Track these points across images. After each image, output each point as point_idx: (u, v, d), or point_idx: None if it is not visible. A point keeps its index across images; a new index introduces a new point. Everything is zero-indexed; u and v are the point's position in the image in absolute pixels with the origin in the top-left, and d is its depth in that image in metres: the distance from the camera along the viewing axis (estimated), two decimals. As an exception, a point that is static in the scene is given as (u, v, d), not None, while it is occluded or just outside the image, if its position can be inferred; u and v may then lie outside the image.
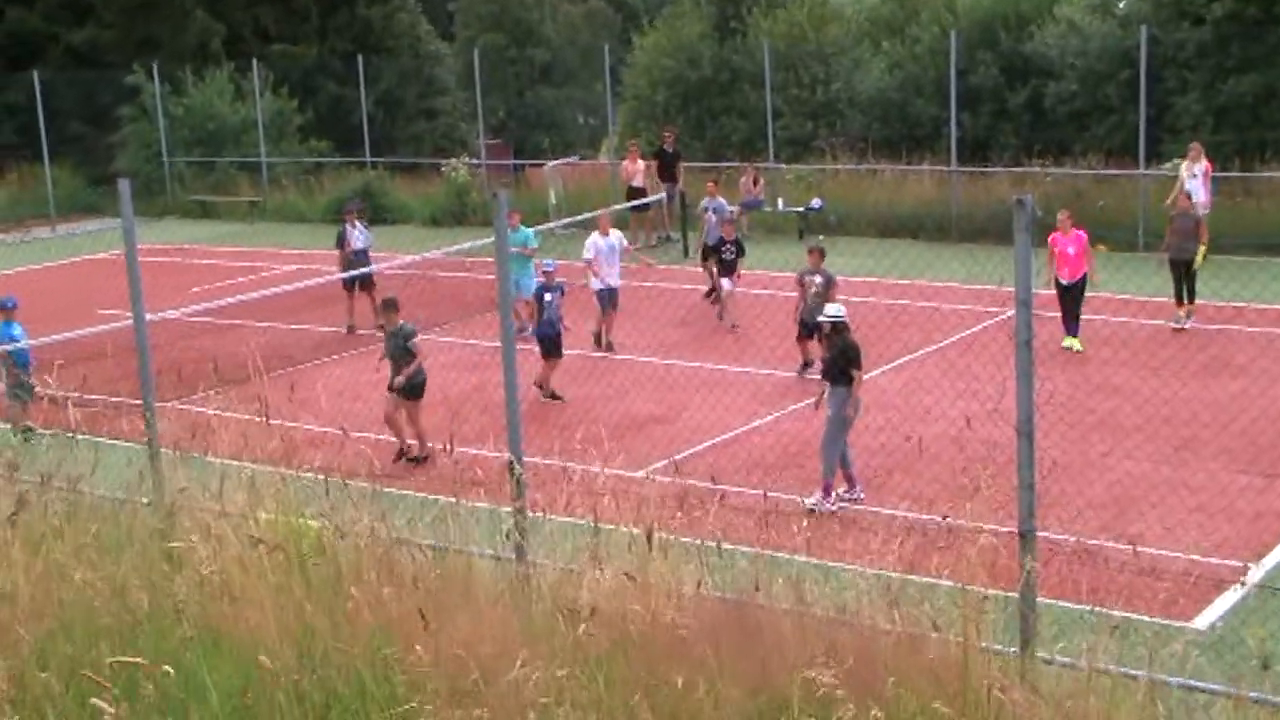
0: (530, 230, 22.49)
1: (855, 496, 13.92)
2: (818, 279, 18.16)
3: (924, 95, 36.14)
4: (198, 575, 7.18)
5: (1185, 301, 20.84)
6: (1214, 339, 19.58)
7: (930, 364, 18.89)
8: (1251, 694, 6.79)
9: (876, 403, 16.69)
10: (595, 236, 21.32)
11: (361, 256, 24.04)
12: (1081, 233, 19.79)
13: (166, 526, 8.64)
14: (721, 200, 25.27)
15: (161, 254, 32.10)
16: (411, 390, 15.77)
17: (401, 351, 15.88)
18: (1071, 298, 19.51)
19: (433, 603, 6.27)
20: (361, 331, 22.56)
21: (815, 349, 17.37)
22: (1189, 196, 22.41)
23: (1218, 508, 13.27)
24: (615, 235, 21.67)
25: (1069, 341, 19.39)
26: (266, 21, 49.39)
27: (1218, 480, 14.03)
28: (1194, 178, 24.79)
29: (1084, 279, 19.49)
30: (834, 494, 13.82)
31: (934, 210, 29.72)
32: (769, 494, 12.17)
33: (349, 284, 23.47)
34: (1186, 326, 20.37)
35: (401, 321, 16.21)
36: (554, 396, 18.07)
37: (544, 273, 18.91)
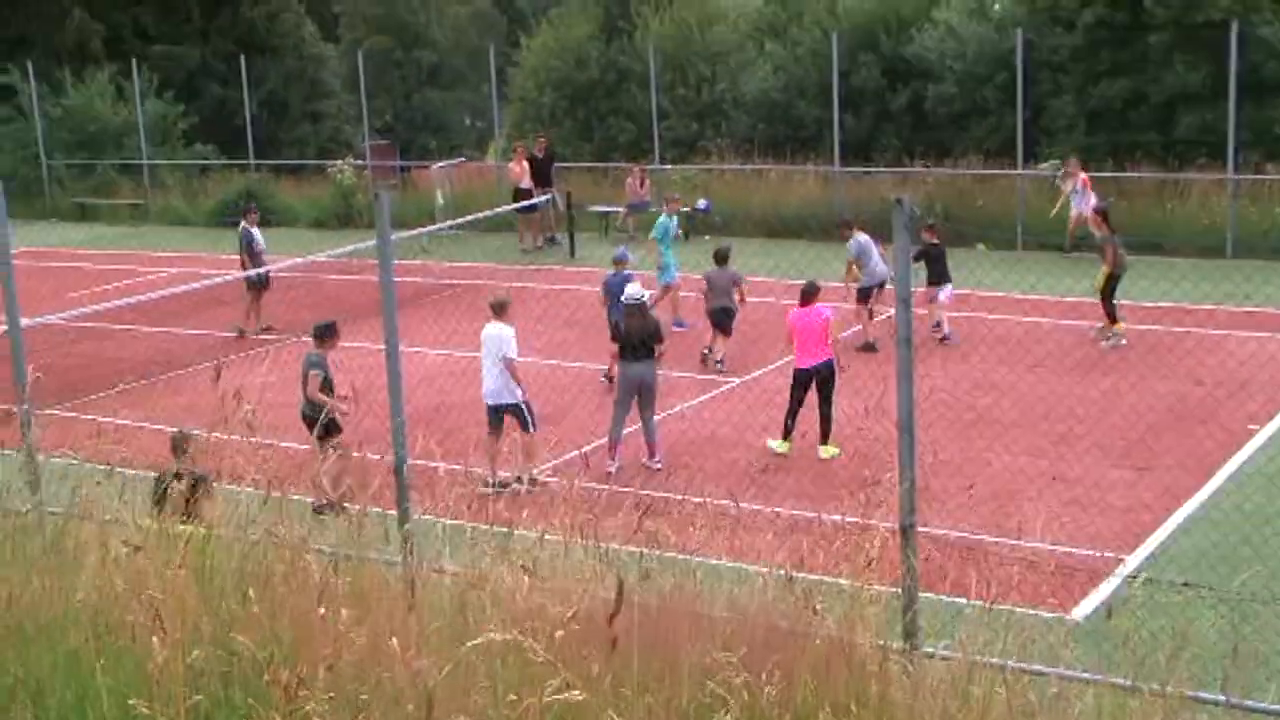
0: (671, 220, 23.10)
1: (655, 465, 15.26)
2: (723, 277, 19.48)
3: (807, 97, 36.53)
4: (82, 583, 7.12)
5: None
6: (1086, 336, 20.03)
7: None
8: (1122, 681, 7.00)
9: (760, 402, 16.89)
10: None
11: (260, 257, 24.14)
12: (824, 309, 16.34)
13: (49, 535, 8.54)
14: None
15: (40, 257, 31.57)
16: (312, 427, 14.93)
17: (305, 379, 15.21)
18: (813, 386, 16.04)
19: (323, 607, 6.28)
20: (265, 336, 22.37)
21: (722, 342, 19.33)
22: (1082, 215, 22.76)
23: (1093, 501, 13.62)
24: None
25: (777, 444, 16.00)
26: (147, 21, 48.72)
27: (1092, 474, 14.40)
28: (1075, 193, 25.68)
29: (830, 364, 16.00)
30: (615, 457, 15.33)
31: (818, 210, 30.06)
32: (654, 494, 12.28)
33: (261, 285, 23.55)
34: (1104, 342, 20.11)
35: (310, 352, 15.40)
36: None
37: (615, 260, 19.63)
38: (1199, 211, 27.21)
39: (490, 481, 14.66)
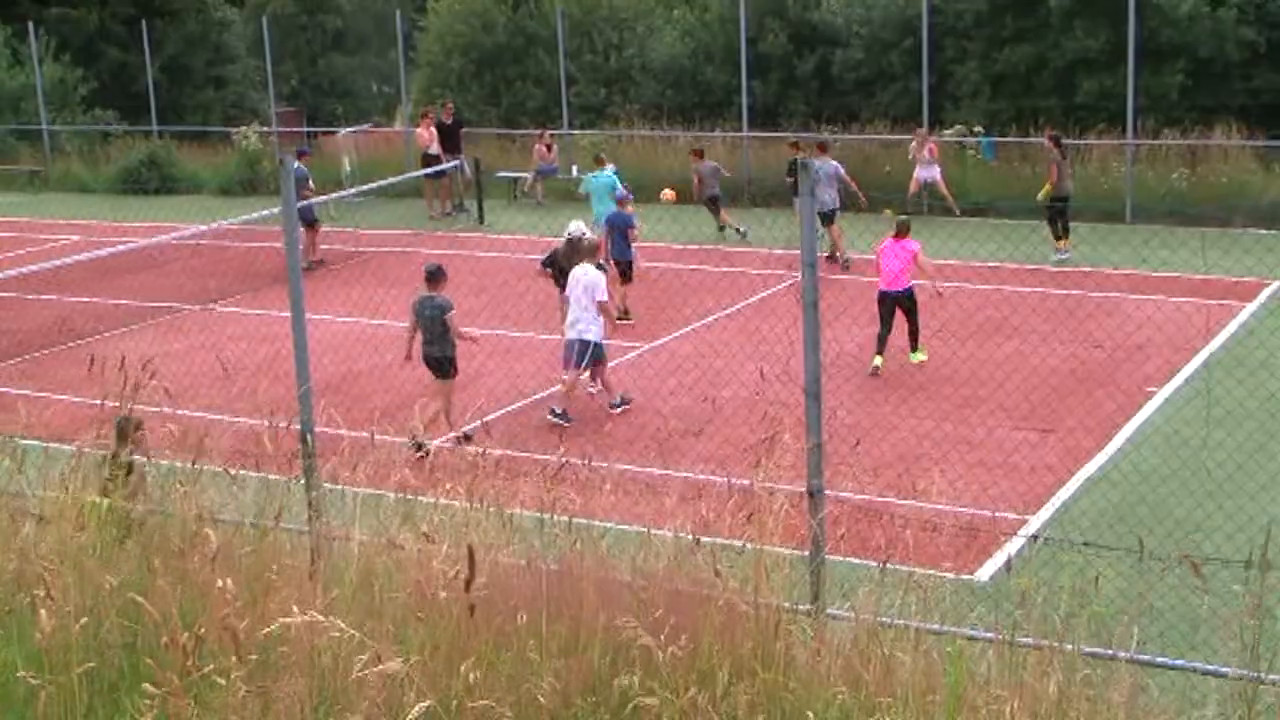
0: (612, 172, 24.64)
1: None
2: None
3: (715, 63, 36.57)
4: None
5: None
6: (990, 300, 20.27)
7: (720, 328, 19.23)
8: (1023, 640, 7.15)
9: (667, 368, 16.96)
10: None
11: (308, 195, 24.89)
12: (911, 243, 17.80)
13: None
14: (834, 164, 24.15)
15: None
16: (444, 366, 15.13)
17: (437, 324, 15.09)
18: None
19: (233, 577, 6.26)
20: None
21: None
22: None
23: (996, 463, 13.82)
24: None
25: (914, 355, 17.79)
26: (41, -17, 47.58)
27: (995, 436, 14.60)
28: (923, 161, 26.69)
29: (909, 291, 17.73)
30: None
31: (726, 176, 30.11)
32: (562, 459, 12.29)
33: (312, 221, 24.59)
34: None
35: (435, 294, 15.27)
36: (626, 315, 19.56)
37: (618, 200, 20.81)
38: (1099, 176, 27.64)
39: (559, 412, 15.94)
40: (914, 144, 27.54)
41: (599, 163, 25.36)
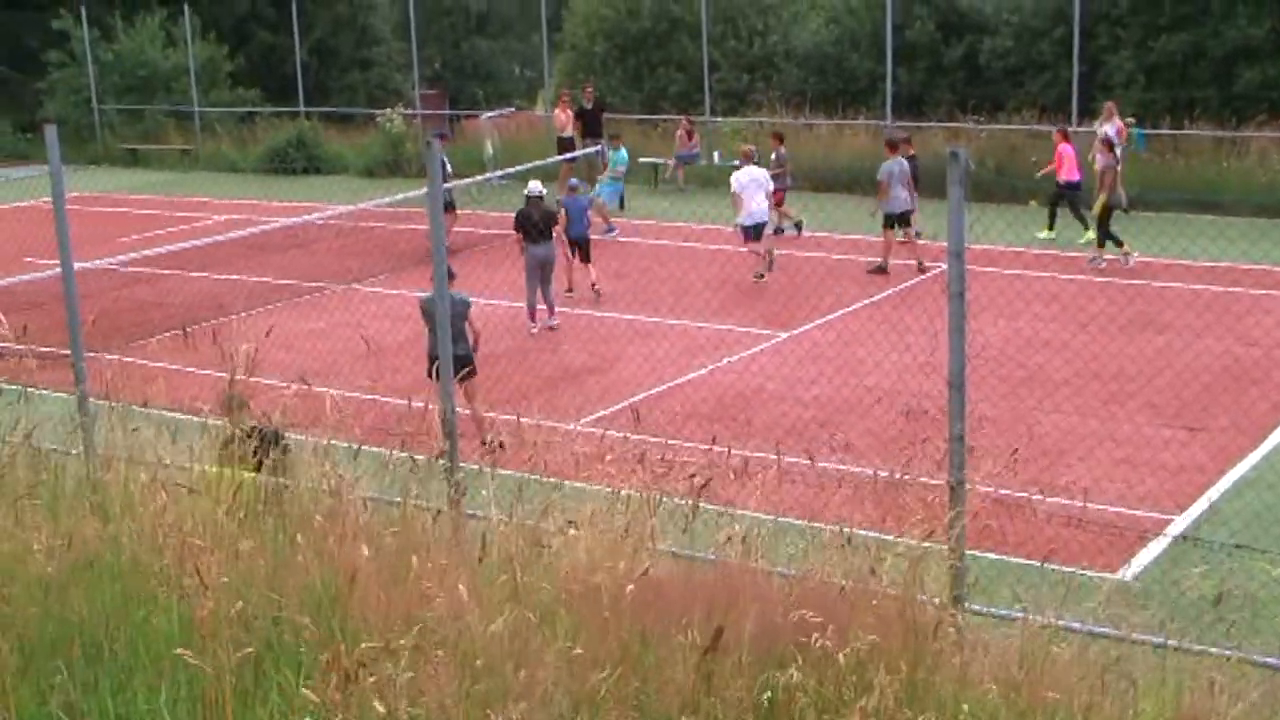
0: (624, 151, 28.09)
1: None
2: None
3: (860, 50, 36.20)
4: (131, 527, 7.14)
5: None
6: (1141, 294, 19.82)
7: (864, 317, 19.01)
8: (1173, 643, 6.94)
9: (809, 355, 16.81)
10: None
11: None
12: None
13: (98, 478, 8.57)
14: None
15: (92, 202, 31.71)
16: (469, 364, 14.11)
17: (460, 321, 14.05)
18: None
19: (376, 554, 6.28)
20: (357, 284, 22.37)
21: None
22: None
23: (1143, 460, 13.49)
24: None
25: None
26: (197, -34, 48.56)
27: (1143, 433, 14.24)
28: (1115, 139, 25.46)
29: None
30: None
31: (869, 164, 29.63)
32: (704, 447, 12.22)
33: (446, 206, 24.63)
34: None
35: (454, 291, 13.90)
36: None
37: (570, 188, 22.17)
38: (1257, 169, 26.83)
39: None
40: (1100, 120, 26.51)
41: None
